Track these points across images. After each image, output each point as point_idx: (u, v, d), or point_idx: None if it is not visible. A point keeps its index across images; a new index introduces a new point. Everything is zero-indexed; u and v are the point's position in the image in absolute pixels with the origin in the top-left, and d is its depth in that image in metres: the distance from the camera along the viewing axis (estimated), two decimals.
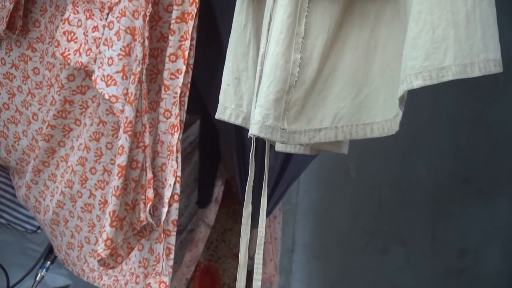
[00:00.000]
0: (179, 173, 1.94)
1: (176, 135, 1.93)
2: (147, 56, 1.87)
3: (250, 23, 1.76)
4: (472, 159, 3.85)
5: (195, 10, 1.87)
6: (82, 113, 2.08)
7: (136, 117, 1.87)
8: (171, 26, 1.88)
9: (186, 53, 1.88)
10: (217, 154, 3.00)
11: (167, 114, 1.93)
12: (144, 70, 1.87)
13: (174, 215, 1.94)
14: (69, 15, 1.96)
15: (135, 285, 2.03)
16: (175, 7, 1.88)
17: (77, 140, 2.10)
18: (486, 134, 3.84)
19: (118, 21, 1.86)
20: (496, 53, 1.44)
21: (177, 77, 1.90)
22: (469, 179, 3.87)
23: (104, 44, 1.88)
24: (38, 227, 2.47)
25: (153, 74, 1.95)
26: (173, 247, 1.96)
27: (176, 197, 1.93)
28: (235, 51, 1.77)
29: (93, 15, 1.93)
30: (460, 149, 3.87)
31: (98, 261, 1.89)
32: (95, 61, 1.90)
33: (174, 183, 1.93)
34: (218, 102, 1.80)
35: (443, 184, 3.87)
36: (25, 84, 2.17)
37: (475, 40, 1.43)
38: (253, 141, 1.76)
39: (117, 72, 1.86)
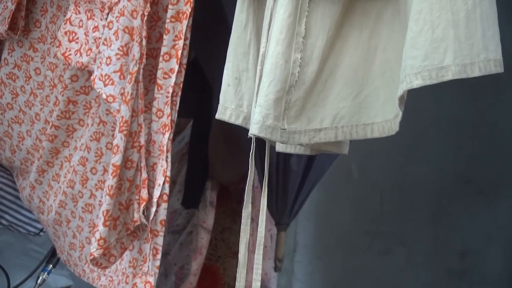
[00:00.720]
0: (168, 173, 1.92)
1: (167, 135, 1.91)
2: (145, 56, 1.86)
3: (251, 23, 1.76)
4: (474, 160, 3.84)
5: (190, 10, 1.87)
6: (86, 113, 2.08)
7: (132, 117, 1.86)
8: (166, 25, 1.88)
9: (180, 52, 1.88)
10: (207, 157, 2.99)
11: (160, 114, 1.92)
12: (141, 70, 1.86)
13: (163, 215, 1.92)
14: (71, 15, 1.96)
15: (125, 285, 2.01)
16: (170, 6, 1.87)
17: (80, 141, 2.10)
18: (488, 135, 3.83)
19: (117, 21, 1.85)
20: (496, 53, 1.44)
21: (170, 77, 1.89)
22: (471, 180, 3.85)
23: (103, 44, 1.88)
24: (41, 230, 2.46)
25: (152, 75, 1.94)
26: (160, 248, 1.94)
27: (165, 197, 1.91)
28: (236, 51, 1.77)
29: (94, 15, 1.93)
30: (462, 150, 3.85)
31: (91, 260, 1.88)
32: (95, 61, 1.90)
33: (164, 183, 1.91)
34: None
35: (444, 185, 3.85)
36: (27, 84, 2.18)
37: (475, 39, 1.42)
38: (253, 141, 1.76)
39: (114, 71, 1.86)
